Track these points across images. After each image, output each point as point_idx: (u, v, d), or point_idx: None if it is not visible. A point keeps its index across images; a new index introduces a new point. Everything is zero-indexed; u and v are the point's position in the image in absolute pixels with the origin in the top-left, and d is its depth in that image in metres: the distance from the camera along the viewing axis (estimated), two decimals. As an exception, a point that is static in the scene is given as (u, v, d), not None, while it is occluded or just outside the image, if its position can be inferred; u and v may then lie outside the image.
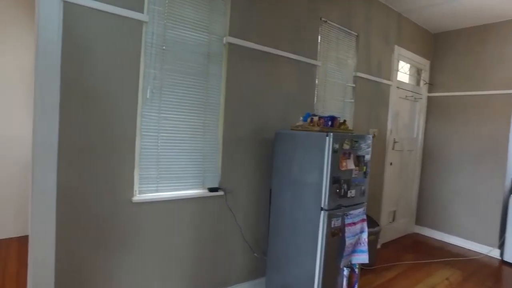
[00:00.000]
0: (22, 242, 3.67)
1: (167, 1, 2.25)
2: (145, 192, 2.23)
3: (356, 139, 2.44)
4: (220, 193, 2.58)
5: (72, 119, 1.92)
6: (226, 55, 2.58)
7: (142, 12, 2.14)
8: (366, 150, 2.55)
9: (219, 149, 2.60)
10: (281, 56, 2.93)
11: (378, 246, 4.15)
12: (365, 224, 2.47)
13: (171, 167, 2.33)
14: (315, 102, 3.31)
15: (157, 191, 2.28)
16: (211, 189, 2.54)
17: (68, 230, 1.96)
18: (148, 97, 2.20)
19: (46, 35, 1.82)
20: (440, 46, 4.96)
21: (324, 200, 2.31)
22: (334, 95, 3.55)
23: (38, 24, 1.80)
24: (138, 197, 2.18)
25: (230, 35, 2.57)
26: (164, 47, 2.25)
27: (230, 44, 2.58)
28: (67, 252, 1.96)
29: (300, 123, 2.71)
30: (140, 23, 2.13)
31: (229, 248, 2.73)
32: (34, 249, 1.86)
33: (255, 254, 2.90)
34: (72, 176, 1.95)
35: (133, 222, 2.18)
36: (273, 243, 2.73)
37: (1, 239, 3.67)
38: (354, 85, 3.75)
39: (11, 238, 3.74)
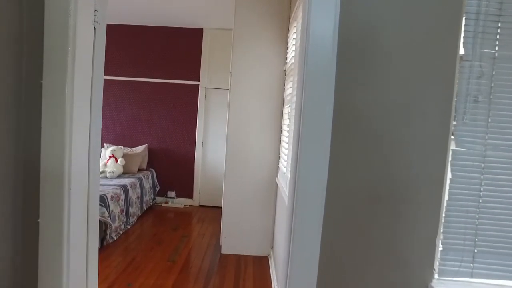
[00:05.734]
0: (257, 261, 3.55)
1: None
2: (451, 274, 1.29)
3: None
4: None
5: (343, 153, 1.24)
6: None
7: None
8: None
9: None
10: None
11: None
12: None
13: (499, 234, 1.29)
14: None
15: (471, 275, 1.29)
16: None
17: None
18: (466, 110, 1.26)
19: (318, 31, 1.21)
20: None
21: None
22: None
23: (310, 10, 1.21)
24: (440, 282, 1.27)
25: None
26: (500, 19, 1.25)
27: None
28: None
29: None
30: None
31: None
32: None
33: None
34: (341, 230, 1.26)
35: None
36: None
37: (240, 255, 3.67)
38: None
39: (248, 255, 3.70)
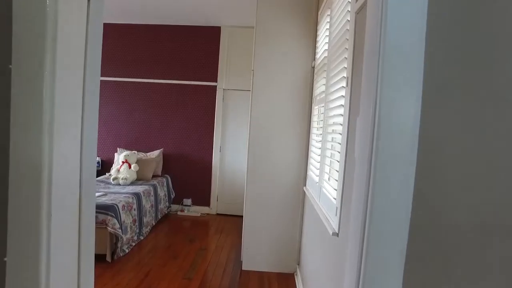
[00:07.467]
0: (282, 279, 3.17)
1: None
2: None
3: None
4: None
5: (434, 169, 0.87)
6: None
7: None
8: None
9: None
10: None
11: None
12: None
13: None
14: None
15: None
16: None
17: None
18: None
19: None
20: None
21: None
22: None
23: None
24: None
25: None
26: None
27: None
28: None
29: None
30: None
31: None
32: None
33: None
34: (430, 277, 0.89)
35: None
36: None
37: (263, 272, 3.30)
38: None
39: (271, 272, 3.32)
